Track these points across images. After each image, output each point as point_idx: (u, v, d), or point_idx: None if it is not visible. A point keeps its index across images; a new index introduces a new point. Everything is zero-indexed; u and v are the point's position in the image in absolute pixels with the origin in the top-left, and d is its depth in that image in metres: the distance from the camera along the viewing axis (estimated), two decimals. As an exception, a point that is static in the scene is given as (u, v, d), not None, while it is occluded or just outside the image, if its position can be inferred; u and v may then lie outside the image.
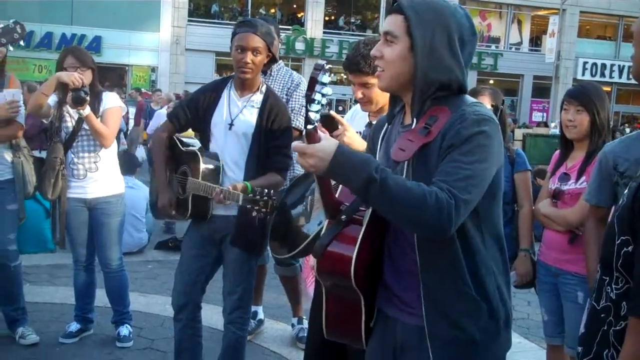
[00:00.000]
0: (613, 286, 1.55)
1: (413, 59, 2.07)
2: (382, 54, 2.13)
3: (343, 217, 2.13)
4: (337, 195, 2.20)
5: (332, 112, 3.28)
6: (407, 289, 2.16)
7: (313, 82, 1.98)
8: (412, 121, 2.12)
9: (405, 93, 2.16)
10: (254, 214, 3.33)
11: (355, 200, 2.13)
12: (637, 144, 3.05)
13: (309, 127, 1.93)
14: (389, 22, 2.14)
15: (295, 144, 1.97)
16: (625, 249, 1.48)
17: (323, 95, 1.97)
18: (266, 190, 3.34)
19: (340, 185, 2.22)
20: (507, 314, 2.16)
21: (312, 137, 1.93)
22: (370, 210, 2.10)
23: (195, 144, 3.88)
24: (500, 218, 2.18)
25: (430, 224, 1.93)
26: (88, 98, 4.33)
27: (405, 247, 2.14)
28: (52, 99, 4.49)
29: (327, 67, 2.02)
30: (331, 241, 2.11)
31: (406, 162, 2.09)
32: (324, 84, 1.98)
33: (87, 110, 4.35)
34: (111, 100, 4.60)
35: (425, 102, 2.09)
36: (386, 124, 2.34)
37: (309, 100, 1.96)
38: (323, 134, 1.98)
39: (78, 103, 4.31)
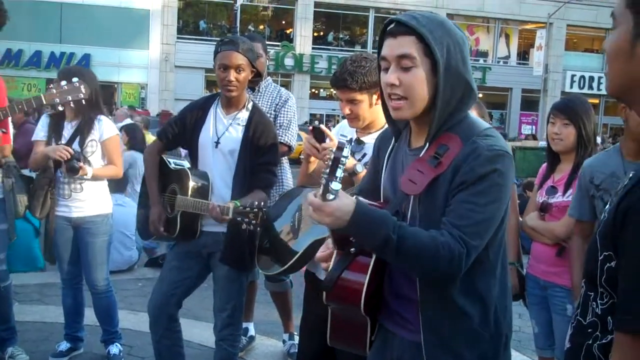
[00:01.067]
0: (598, 301, 1.56)
1: (433, 80, 2.01)
2: (400, 81, 2.03)
3: (352, 249, 2.10)
4: None
5: (323, 127, 3.29)
6: (406, 310, 2.16)
7: (336, 164, 1.88)
8: (425, 144, 2.08)
9: (419, 115, 2.09)
10: (244, 226, 3.34)
11: None
12: (612, 158, 3.14)
13: (330, 196, 1.87)
14: (400, 45, 2.02)
15: (311, 199, 1.91)
16: (608, 264, 1.48)
17: (343, 165, 1.93)
18: (256, 203, 3.35)
19: None
20: (507, 334, 2.16)
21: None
22: None
23: (185, 164, 3.89)
24: (504, 236, 2.15)
25: (441, 273, 1.96)
26: (82, 164, 4.36)
27: (407, 276, 2.13)
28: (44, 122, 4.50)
29: (347, 139, 1.94)
30: (341, 274, 2.10)
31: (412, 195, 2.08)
32: (346, 157, 1.90)
33: (89, 173, 4.41)
34: (107, 129, 4.57)
35: (444, 126, 2.05)
36: (393, 140, 2.29)
37: (331, 179, 1.88)
38: (341, 192, 1.91)
39: (74, 173, 4.37)
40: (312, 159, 3.36)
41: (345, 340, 2.33)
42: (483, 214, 1.95)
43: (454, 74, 2.02)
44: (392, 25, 2.06)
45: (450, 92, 2.02)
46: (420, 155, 2.08)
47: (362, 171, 3.07)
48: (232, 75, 3.60)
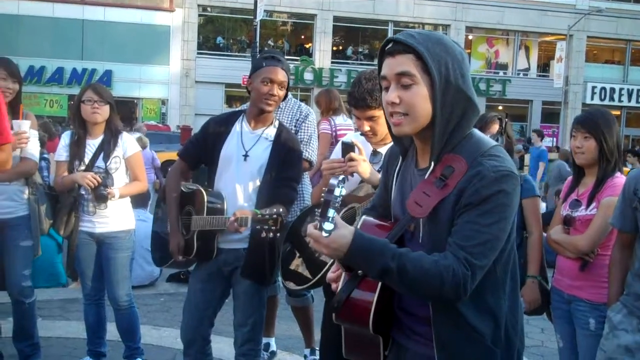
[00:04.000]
0: None
1: (433, 97, 2.02)
2: (400, 98, 2.03)
3: (360, 271, 2.10)
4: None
5: (355, 140, 3.33)
6: (417, 324, 2.17)
7: (327, 206, 1.92)
8: (430, 164, 2.08)
9: (419, 134, 2.10)
10: (264, 234, 3.35)
11: None
12: None
13: (324, 234, 1.91)
14: (399, 63, 2.03)
15: (310, 230, 1.96)
16: None
17: (338, 203, 1.95)
18: (275, 210, 3.37)
19: (359, 225, 2.23)
20: (519, 348, 2.16)
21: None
22: None
23: (197, 186, 3.87)
24: (513, 250, 2.14)
25: (447, 298, 1.96)
26: (110, 189, 4.45)
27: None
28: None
29: (340, 179, 1.95)
30: (349, 295, 2.12)
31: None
32: (338, 196, 1.94)
33: (116, 195, 4.49)
34: (130, 145, 4.63)
35: (447, 145, 2.05)
36: (400, 158, 2.30)
37: (323, 219, 1.92)
38: (338, 220, 1.94)
39: (102, 201, 4.47)
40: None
41: (360, 354, 2.35)
42: (488, 234, 1.95)
43: (454, 90, 2.02)
44: (390, 45, 2.08)
45: (451, 109, 2.03)
46: (426, 176, 2.09)
47: None
48: (275, 90, 3.63)
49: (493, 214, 1.95)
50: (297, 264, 3.61)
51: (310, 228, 1.96)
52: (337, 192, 1.92)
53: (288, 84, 3.73)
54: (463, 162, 2.02)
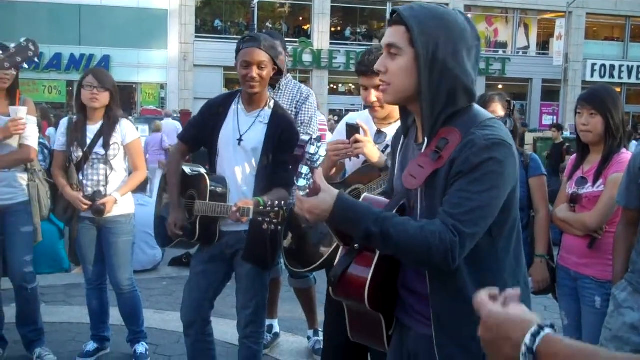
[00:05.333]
0: None
1: (417, 71, 2.03)
2: (386, 67, 2.09)
3: (356, 245, 2.11)
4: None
5: (360, 122, 3.30)
6: (419, 303, 2.16)
7: (297, 162, 2.00)
8: (424, 140, 2.09)
9: (414, 107, 2.12)
10: (265, 226, 3.33)
11: None
12: None
13: (300, 192, 1.97)
14: (390, 34, 2.08)
15: (297, 194, 2.02)
16: None
17: (312, 162, 1.97)
18: (276, 202, 3.34)
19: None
20: None
21: (310, 194, 2.00)
22: None
23: (200, 170, 3.87)
24: (517, 228, 2.13)
25: (435, 263, 1.95)
26: (106, 199, 4.45)
27: (416, 270, 2.14)
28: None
29: (313, 138, 1.99)
30: (345, 270, 2.13)
31: (418, 189, 2.09)
32: (313, 154, 1.99)
33: (118, 197, 4.50)
34: (129, 132, 4.60)
35: (438, 120, 2.05)
36: (402, 137, 2.32)
37: (296, 175, 1.99)
38: (322, 183, 2.00)
39: (99, 215, 4.46)
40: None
41: (364, 336, 2.35)
42: (478, 201, 1.94)
43: (441, 67, 2.01)
44: (395, 15, 2.12)
45: (438, 86, 2.02)
46: (422, 149, 2.09)
47: None
48: (254, 71, 3.57)
49: (483, 181, 1.94)
50: (292, 246, 3.60)
51: (298, 193, 2.02)
52: (312, 150, 1.96)
53: (275, 61, 3.66)
54: (457, 134, 2.01)
